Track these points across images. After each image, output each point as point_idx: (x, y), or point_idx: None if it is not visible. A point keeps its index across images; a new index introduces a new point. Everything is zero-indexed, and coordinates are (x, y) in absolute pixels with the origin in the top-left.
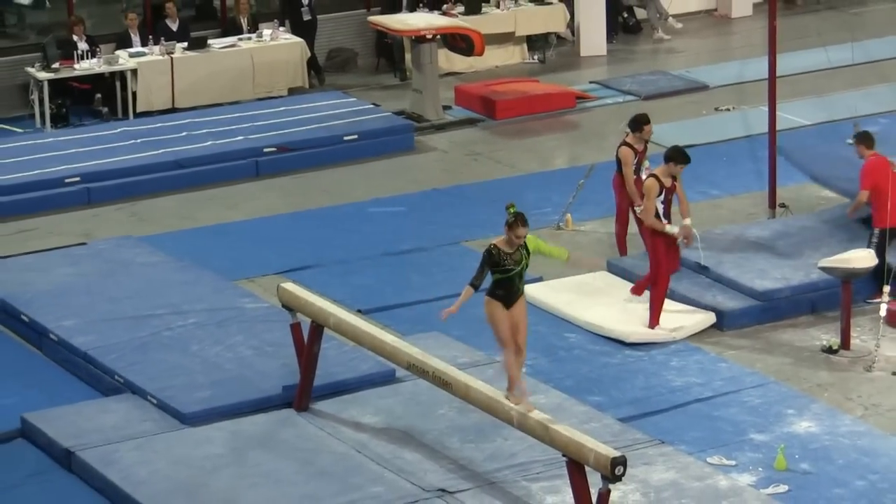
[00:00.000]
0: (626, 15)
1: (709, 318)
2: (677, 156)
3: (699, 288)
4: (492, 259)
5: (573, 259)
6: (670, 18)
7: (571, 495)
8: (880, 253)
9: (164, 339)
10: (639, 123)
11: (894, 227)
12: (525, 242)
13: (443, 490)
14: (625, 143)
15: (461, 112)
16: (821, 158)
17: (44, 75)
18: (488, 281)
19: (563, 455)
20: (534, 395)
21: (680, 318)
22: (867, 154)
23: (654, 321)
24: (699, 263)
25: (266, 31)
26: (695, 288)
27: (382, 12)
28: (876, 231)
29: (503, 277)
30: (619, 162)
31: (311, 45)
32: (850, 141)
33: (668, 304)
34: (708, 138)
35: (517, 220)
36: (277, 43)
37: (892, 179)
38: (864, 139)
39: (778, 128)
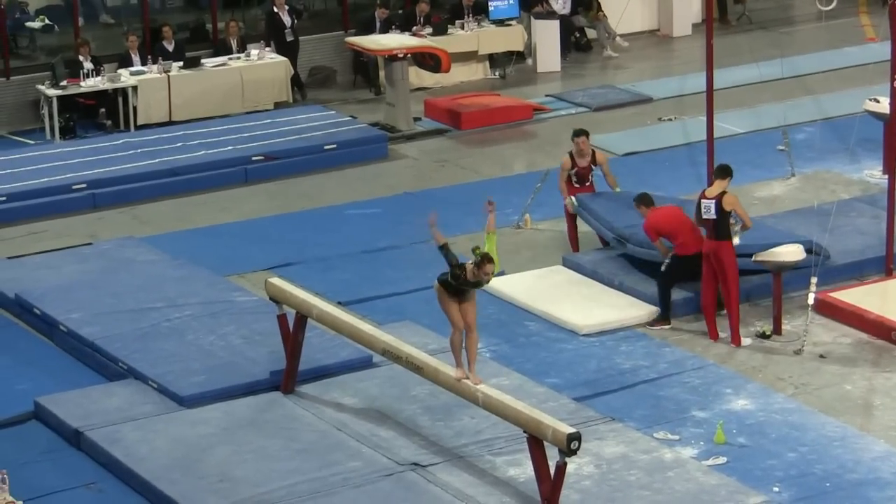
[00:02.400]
0: (577, 35)
1: (654, 312)
2: (573, 133)
3: (647, 283)
4: (455, 275)
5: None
6: (618, 38)
7: (532, 468)
8: (667, 281)
9: (163, 330)
10: (574, 135)
11: (686, 255)
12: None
13: (416, 464)
14: (569, 153)
15: (430, 123)
16: (611, 206)
17: (53, 92)
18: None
19: (524, 431)
20: (496, 377)
21: (628, 310)
22: (646, 212)
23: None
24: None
25: (253, 52)
26: (642, 282)
27: (358, 34)
28: (671, 257)
29: (459, 287)
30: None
31: (294, 63)
32: (781, 148)
33: (617, 297)
34: (652, 146)
35: (484, 260)
36: (264, 62)
37: (680, 223)
38: (643, 200)
39: (715, 136)
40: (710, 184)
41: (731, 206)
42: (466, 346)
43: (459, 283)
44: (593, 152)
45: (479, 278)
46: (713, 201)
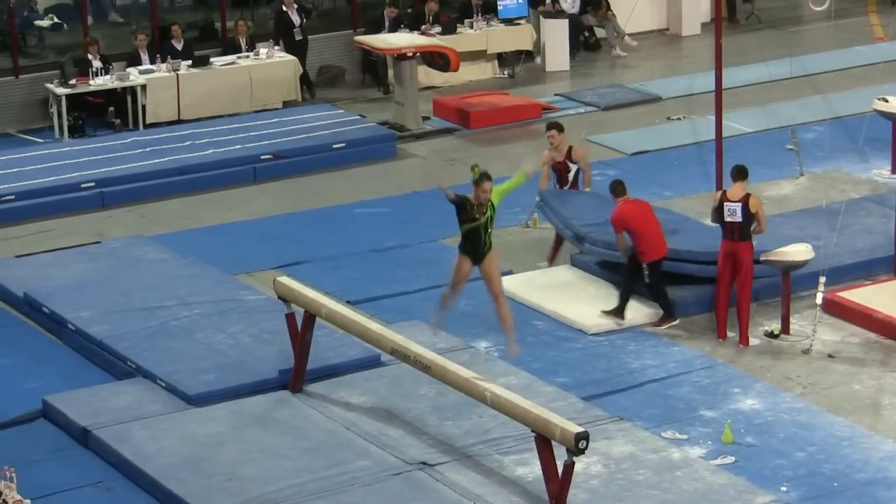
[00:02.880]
0: (586, 34)
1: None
2: (546, 125)
3: None
4: (462, 207)
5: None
6: (626, 37)
7: (540, 467)
8: (655, 284)
9: (172, 328)
10: (546, 129)
11: (657, 259)
12: (491, 201)
13: (424, 463)
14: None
15: (439, 122)
16: (574, 204)
17: (62, 91)
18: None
19: (532, 431)
20: (504, 376)
21: (636, 309)
22: (617, 201)
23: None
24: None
25: (262, 50)
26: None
27: (367, 33)
28: (644, 266)
29: (471, 227)
30: None
31: (303, 62)
32: (790, 147)
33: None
34: (660, 145)
35: (482, 177)
36: (272, 61)
37: (647, 221)
38: (613, 188)
39: (724, 135)
40: (718, 185)
41: (756, 208)
42: (498, 316)
43: (469, 211)
44: (570, 148)
45: (480, 198)
46: (739, 204)
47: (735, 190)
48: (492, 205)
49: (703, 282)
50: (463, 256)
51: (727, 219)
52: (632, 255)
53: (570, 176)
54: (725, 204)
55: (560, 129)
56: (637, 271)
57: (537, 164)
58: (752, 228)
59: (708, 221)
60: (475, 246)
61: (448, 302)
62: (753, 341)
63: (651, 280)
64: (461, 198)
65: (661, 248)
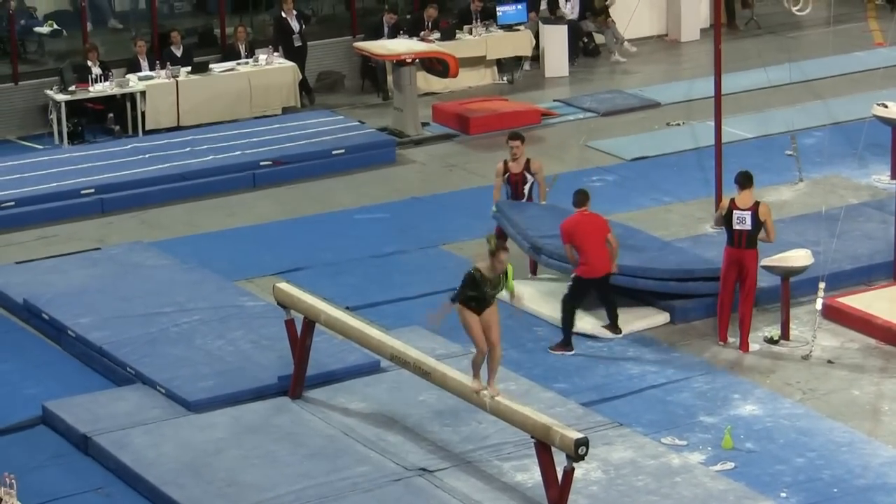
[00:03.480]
0: (585, 40)
1: (663, 317)
2: (509, 135)
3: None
4: (473, 282)
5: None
6: (626, 43)
7: (539, 473)
8: (569, 299)
9: (172, 334)
10: (508, 139)
11: (590, 278)
12: (507, 271)
13: (423, 469)
14: (504, 160)
15: (438, 128)
16: (530, 214)
17: (61, 97)
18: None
19: (532, 437)
20: (504, 382)
21: (638, 318)
22: (575, 211)
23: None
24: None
25: (262, 56)
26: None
27: (366, 39)
28: (572, 277)
29: (479, 298)
30: None
31: (302, 68)
32: (789, 153)
33: (628, 307)
34: (660, 150)
35: (499, 249)
36: (272, 67)
37: (594, 237)
38: (574, 197)
39: (723, 140)
40: (718, 190)
41: (766, 216)
42: (489, 360)
43: (483, 287)
44: (528, 160)
45: (496, 269)
46: (748, 212)
47: (744, 198)
48: (505, 276)
49: (703, 289)
50: (467, 311)
51: (735, 227)
52: (574, 282)
53: (526, 189)
54: (735, 212)
55: (522, 139)
56: (582, 293)
57: (495, 182)
58: (759, 236)
59: (707, 227)
60: (480, 305)
61: (477, 364)
62: (753, 347)
63: (568, 293)
64: (476, 273)
65: (597, 269)
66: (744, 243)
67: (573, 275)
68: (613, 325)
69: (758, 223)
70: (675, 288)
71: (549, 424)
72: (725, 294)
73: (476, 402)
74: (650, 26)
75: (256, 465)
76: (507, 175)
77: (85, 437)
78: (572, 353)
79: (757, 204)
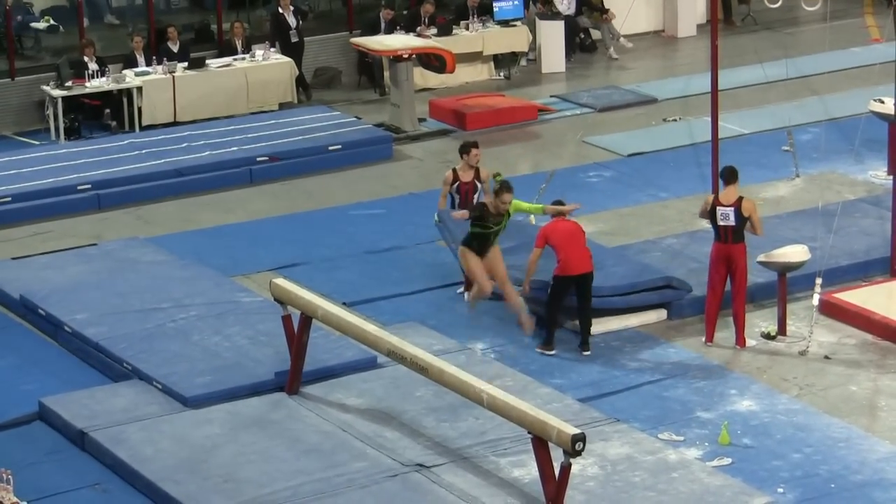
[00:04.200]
0: (582, 36)
1: (660, 313)
2: (463, 146)
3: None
4: (480, 213)
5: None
6: (622, 39)
7: (536, 469)
8: (550, 299)
9: (168, 330)
10: (462, 150)
11: (567, 276)
12: (509, 209)
13: (420, 465)
14: (452, 168)
15: (435, 124)
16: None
17: (58, 93)
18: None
19: (529, 432)
20: (501, 378)
21: (634, 314)
22: (509, 198)
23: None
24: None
25: (258, 52)
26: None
27: (363, 34)
28: (552, 277)
29: (482, 232)
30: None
31: (299, 64)
32: (786, 148)
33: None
34: (656, 146)
35: (503, 187)
36: (269, 63)
37: (571, 238)
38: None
39: (720, 136)
40: (714, 186)
41: (750, 211)
42: (506, 301)
43: (486, 221)
44: (477, 168)
45: (499, 207)
46: (732, 208)
47: (728, 193)
48: (508, 214)
49: (701, 283)
50: (467, 250)
51: (720, 223)
52: (554, 281)
53: (476, 197)
54: (718, 208)
55: (478, 147)
56: (562, 292)
57: (442, 190)
58: (746, 229)
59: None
60: (481, 245)
61: (476, 295)
62: (750, 342)
63: (549, 295)
64: (480, 206)
65: (572, 266)
66: (730, 238)
67: (551, 278)
68: (584, 342)
69: (742, 218)
70: (619, 303)
71: (545, 420)
72: (713, 292)
73: (472, 397)
74: (647, 22)
75: (253, 461)
76: (456, 184)
77: (81, 433)
78: (553, 352)
79: (740, 199)
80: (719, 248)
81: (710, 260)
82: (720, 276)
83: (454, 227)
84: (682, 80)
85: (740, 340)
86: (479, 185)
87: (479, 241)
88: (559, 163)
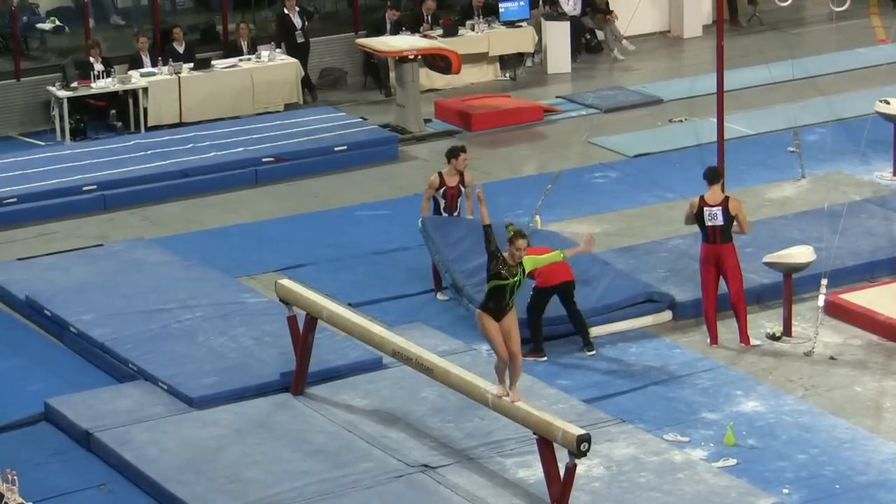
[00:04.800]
0: (588, 36)
1: (666, 314)
2: (452, 150)
3: (656, 283)
4: (495, 260)
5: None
6: (624, 41)
7: (542, 469)
8: (531, 309)
9: (174, 331)
10: (451, 154)
11: (547, 287)
12: (523, 263)
13: (426, 465)
14: (438, 172)
15: (440, 125)
16: (456, 237)
17: (63, 93)
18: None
19: (534, 433)
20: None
21: (640, 314)
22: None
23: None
24: None
25: (264, 53)
26: (654, 284)
27: (369, 35)
28: (532, 288)
29: (497, 286)
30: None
31: (304, 65)
32: (791, 149)
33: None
34: (662, 147)
35: (516, 235)
36: (274, 63)
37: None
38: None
39: (725, 137)
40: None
41: (736, 210)
42: (510, 369)
43: (500, 272)
44: (462, 172)
45: (515, 256)
46: (719, 208)
47: (713, 193)
48: (523, 269)
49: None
50: (485, 315)
51: (708, 223)
52: (534, 292)
53: (459, 202)
54: (705, 209)
55: (466, 151)
56: (542, 302)
57: (426, 193)
58: (734, 229)
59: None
60: (497, 304)
61: (501, 370)
62: (756, 342)
63: (530, 306)
64: (496, 249)
65: (551, 277)
66: (718, 238)
67: (532, 289)
68: (586, 343)
69: (729, 217)
70: (598, 321)
71: (550, 421)
72: (706, 293)
73: (477, 398)
74: (653, 23)
75: (259, 462)
76: (442, 189)
77: (87, 434)
78: (545, 358)
79: (727, 199)
80: (708, 249)
81: (700, 262)
82: (711, 276)
83: (438, 238)
84: (688, 81)
85: (744, 338)
86: (462, 189)
87: (496, 300)
88: (565, 163)
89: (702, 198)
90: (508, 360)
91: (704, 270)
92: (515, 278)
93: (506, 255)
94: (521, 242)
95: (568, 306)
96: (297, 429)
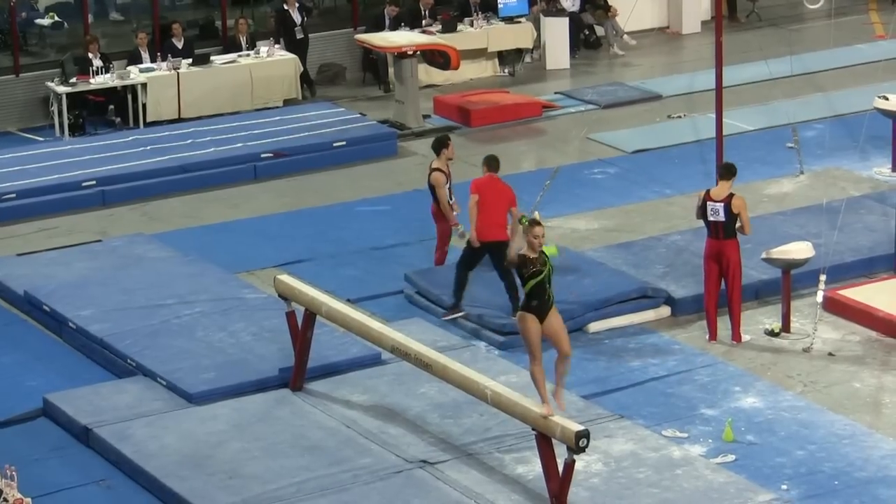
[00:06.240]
0: (587, 32)
1: (665, 309)
2: (439, 141)
3: (655, 279)
4: (524, 264)
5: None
6: (625, 36)
7: (540, 465)
8: (460, 263)
9: (173, 326)
10: (441, 145)
11: (480, 241)
12: (545, 253)
13: (424, 461)
14: (436, 169)
15: (439, 120)
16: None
17: (62, 89)
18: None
19: (533, 429)
20: (505, 375)
21: (638, 310)
22: (486, 172)
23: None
24: None
25: (263, 49)
26: (651, 280)
27: (368, 31)
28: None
29: (536, 282)
30: (432, 189)
31: (303, 60)
32: (790, 145)
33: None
34: (661, 143)
35: (531, 223)
36: (273, 59)
37: (496, 200)
38: (486, 159)
39: (724, 133)
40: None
41: (739, 209)
42: (558, 368)
43: (530, 267)
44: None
45: (534, 245)
46: (722, 204)
47: (719, 189)
48: (545, 256)
49: (698, 281)
50: (529, 316)
51: (710, 218)
52: (467, 245)
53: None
54: (708, 203)
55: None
56: (473, 258)
57: (442, 193)
58: (736, 227)
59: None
60: (541, 301)
61: (539, 379)
62: (749, 338)
63: (461, 257)
64: (521, 256)
65: (486, 232)
66: (721, 234)
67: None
68: (515, 309)
69: (731, 214)
70: (592, 317)
71: None
72: (708, 289)
73: (476, 394)
74: (651, 18)
75: (258, 458)
76: (448, 183)
77: (86, 429)
78: (462, 313)
79: (731, 196)
80: (711, 245)
81: (704, 257)
82: (713, 272)
83: (432, 289)
84: (687, 77)
85: (735, 336)
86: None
87: (538, 296)
88: (564, 159)
89: (708, 192)
90: (539, 364)
91: (706, 266)
92: (546, 266)
93: (526, 251)
94: (538, 230)
95: (498, 266)
96: (296, 424)
